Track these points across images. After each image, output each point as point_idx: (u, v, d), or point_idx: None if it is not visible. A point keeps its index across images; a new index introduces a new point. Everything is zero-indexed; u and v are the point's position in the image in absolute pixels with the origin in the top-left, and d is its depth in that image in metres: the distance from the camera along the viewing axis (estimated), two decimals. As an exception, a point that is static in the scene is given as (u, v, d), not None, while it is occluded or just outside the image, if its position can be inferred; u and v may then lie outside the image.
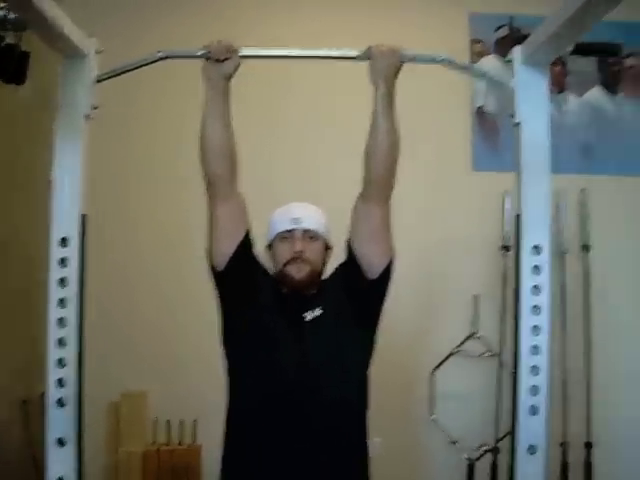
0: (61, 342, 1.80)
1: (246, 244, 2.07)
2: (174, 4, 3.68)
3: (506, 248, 3.51)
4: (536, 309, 1.84)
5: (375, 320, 2.10)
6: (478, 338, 3.38)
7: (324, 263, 2.15)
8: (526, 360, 1.83)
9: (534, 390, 1.82)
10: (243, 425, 2.01)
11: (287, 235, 2.10)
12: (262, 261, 2.16)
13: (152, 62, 1.91)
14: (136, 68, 1.91)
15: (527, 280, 1.85)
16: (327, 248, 2.16)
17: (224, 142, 1.98)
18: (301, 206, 2.16)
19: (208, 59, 1.93)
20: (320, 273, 2.13)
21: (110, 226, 3.36)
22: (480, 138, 3.75)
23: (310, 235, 2.10)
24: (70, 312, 1.82)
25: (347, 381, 2.02)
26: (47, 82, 3.17)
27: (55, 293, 1.82)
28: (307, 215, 2.12)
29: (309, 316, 2.05)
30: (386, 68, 1.93)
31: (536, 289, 1.84)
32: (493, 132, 3.74)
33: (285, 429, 1.96)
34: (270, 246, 2.15)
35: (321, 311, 2.06)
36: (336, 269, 2.16)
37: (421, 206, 3.59)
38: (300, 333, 2.03)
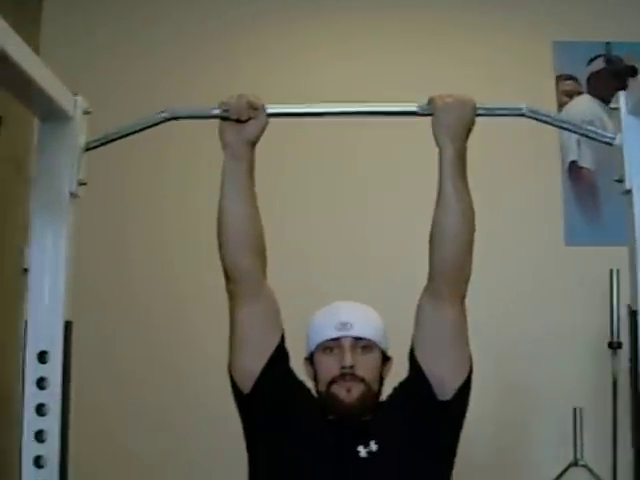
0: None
1: (279, 358, 2.06)
2: (180, 53, 3.78)
3: (616, 345, 3.43)
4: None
5: (451, 453, 2.07)
6: (583, 466, 3.28)
7: (381, 380, 2.12)
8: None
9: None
10: None
11: (333, 345, 2.09)
12: (300, 377, 2.15)
13: (155, 124, 1.92)
14: (135, 132, 1.92)
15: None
16: (385, 360, 2.14)
17: (249, 227, 1.99)
18: (350, 307, 2.15)
19: (226, 119, 1.94)
20: (377, 394, 2.10)
21: (93, 333, 3.37)
22: (574, 203, 3.73)
23: (363, 345, 2.09)
24: (50, 450, 1.78)
25: None
26: (22, 150, 3.29)
27: (31, 425, 1.78)
28: (358, 318, 2.11)
29: (363, 452, 2.01)
30: (454, 124, 1.94)
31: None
32: (591, 194, 3.72)
33: None
34: (310, 359, 2.14)
35: (377, 445, 2.02)
36: (395, 389, 2.14)
37: (500, 295, 3.57)
38: (353, 474, 2.00)
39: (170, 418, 3.52)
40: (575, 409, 3.33)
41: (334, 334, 2.08)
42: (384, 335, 2.14)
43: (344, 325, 2.08)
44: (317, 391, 2.11)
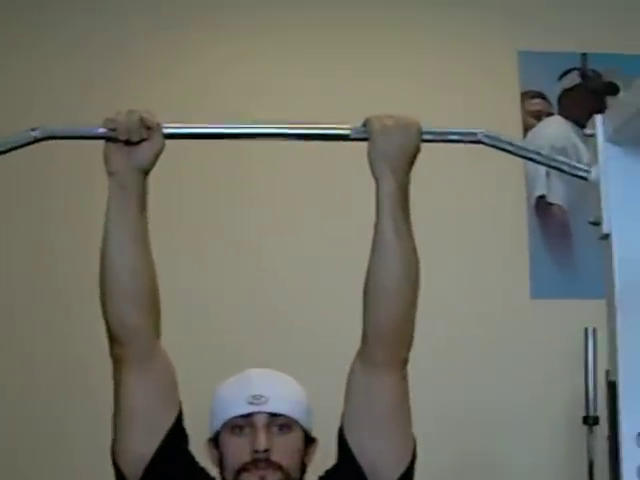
0: None
1: (176, 440, 2.01)
2: (59, 61, 3.75)
3: (592, 421, 3.45)
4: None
5: None
6: None
7: (304, 467, 2.09)
8: None
9: None
10: None
11: (243, 423, 2.04)
12: (202, 463, 2.10)
13: (23, 145, 1.87)
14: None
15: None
16: (308, 442, 2.11)
17: (139, 276, 1.94)
18: (265, 376, 2.13)
19: (113, 141, 1.90)
20: None
21: None
22: (542, 246, 3.78)
23: (280, 423, 2.05)
24: None
25: None
26: None
27: None
28: (275, 390, 2.08)
29: None
30: (395, 152, 1.92)
31: (651, 503, 1.78)
32: (562, 236, 3.77)
33: None
34: (215, 440, 2.10)
35: None
36: (322, 478, 2.10)
37: (450, 358, 3.59)
38: None
39: None
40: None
41: (245, 410, 2.04)
42: (307, 411, 2.11)
43: (257, 399, 2.05)
44: (223, 477, 2.07)
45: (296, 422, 2.07)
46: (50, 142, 1.89)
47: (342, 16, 3.82)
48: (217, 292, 3.61)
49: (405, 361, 2.00)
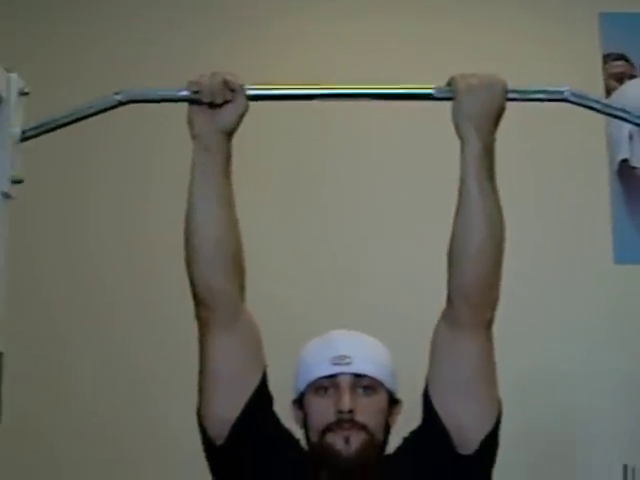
0: None
1: (261, 402, 2.03)
2: (137, 25, 3.78)
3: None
4: None
5: None
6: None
7: (388, 429, 2.08)
8: None
9: None
10: None
11: (327, 384, 2.04)
12: (287, 424, 2.11)
13: (107, 109, 1.89)
14: (83, 118, 1.89)
15: None
16: (392, 403, 2.10)
17: (226, 238, 1.96)
18: (349, 337, 2.12)
19: (197, 103, 1.91)
20: (382, 445, 2.06)
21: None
22: (625, 211, 3.73)
23: (365, 384, 2.04)
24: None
25: None
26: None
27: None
28: (359, 352, 2.07)
29: None
30: (480, 111, 1.91)
31: None
32: (647, 201, 3.72)
33: None
34: (299, 401, 2.10)
35: None
36: (406, 439, 2.11)
37: (533, 324, 3.57)
38: None
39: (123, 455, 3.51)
40: (626, 467, 3.31)
41: (329, 370, 2.04)
42: (392, 373, 2.10)
43: (342, 359, 2.04)
44: (308, 441, 2.07)
45: (381, 383, 2.06)
46: (134, 106, 1.91)
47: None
48: (299, 256, 3.61)
49: (490, 322, 1.98)
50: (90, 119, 1.91)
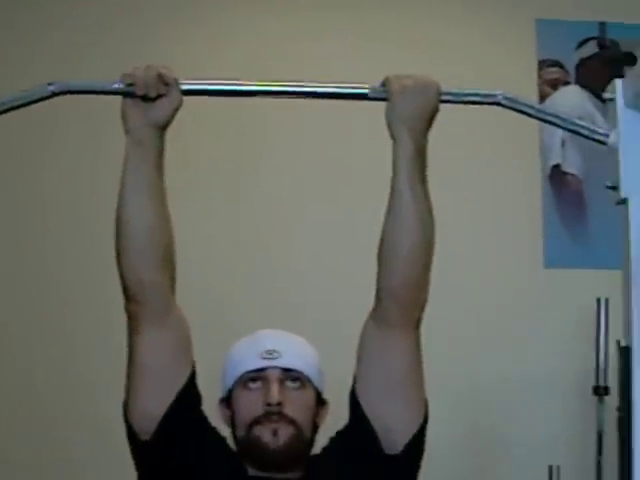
0: None
1: (189, 398, 2.01)
2: (72, 14, 3.72)
3: (603, 391, 3.46)
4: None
5: None
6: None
7: (315, 428, 2.09)
8: None
9: None
10: None
11: (256, 376, 2.05)
12: (214, 423, 2.11)
13: (39, 100, 1.87)
14: (13, 108, 1.86)
15: (646, 454, 1.79)
16: (320, 403, 2.12)
17: (156, 231, 1.94)
18: (277, 334, 2.13)
19: (130, 96, 1.89)
20: (309, 443, 2.07)
21: None
22: (556, 216, 3.77)
23: (293, 377, 2.06)
24: None
25: None
26: None
27: None
28: (288, 347, 2.09)
29: None
30: (414, 113, 1.91)
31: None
32: (577, 205, 3.77)
33: None
34: (227, 399, 2.11)
35: None
36: (332, 439, 2.12)
37: (462, 327, 3.59)
38: None
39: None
40: (551, 467, 3.32)
41: (258, 364, 2.05)
42: (319, 372, 2.11)
43: (270, 353, 2.06)
44: (234, 438, 2.07)
45: (309, 380, 2.08)
46: (65, 98, 1.89)
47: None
48: (229, 256, 3.60)
49: (418, 322, 1.99)
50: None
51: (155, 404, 1.97)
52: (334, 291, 3.51)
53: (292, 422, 2.01)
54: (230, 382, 2.09)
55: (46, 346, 3.54)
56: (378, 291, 1.98)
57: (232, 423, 2.08)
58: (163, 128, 1.93)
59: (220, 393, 2.12)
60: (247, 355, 2.08)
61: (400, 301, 1.96)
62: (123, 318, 2.00)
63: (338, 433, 2.11)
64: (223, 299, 3.45)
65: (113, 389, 2.08)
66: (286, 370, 2.05)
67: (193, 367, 2.03)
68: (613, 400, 3.37)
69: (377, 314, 1.99)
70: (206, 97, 1.95)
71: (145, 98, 1.88)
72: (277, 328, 2.16)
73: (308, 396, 2.07)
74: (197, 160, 3.49)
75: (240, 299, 3.51)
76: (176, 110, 1.91)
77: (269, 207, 3.67)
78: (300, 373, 2.07)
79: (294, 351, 2.09)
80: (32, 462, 3.46)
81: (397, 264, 1.95)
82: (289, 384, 2.05)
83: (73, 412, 3.49)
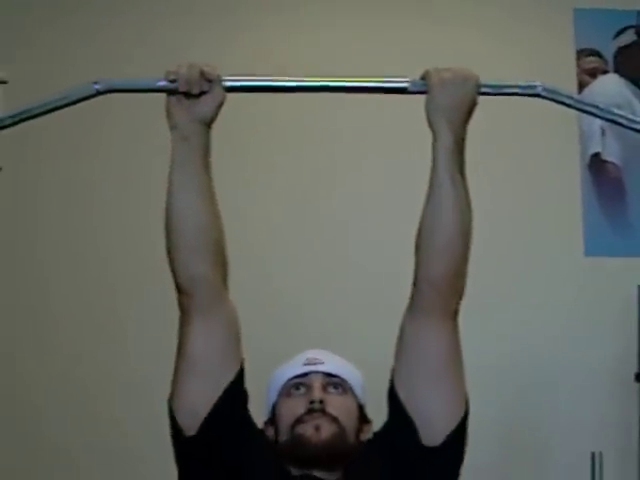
0: None
1: (236, 395, 1.99)
2: (118, 15, 3.75)
3: (646, 377, 3.46)
4: None
5: None
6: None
7: (357, 434, 2.05)
8: None
9: None
10: None
11: (299, 383, 2.05)
12: (260, 425, 2.09)
13: (85, 98, 1.89)
14: (61, 107, 1.89)
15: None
16: (363, 421, 2.09)
17: (204, 225, 1.94)
18: (321, 350, 2.13)
19: (174, 93, 1.91)
20: (350, 447, 2.02)
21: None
22: (596, 204, 3.76)
23: (335, 383, 2.05)
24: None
25: None
26: None
27: None
28: (330, 357, 2.10)
29: None
30: (453, 105, 1.91)
31: None
32: (616, 193, 3.75)
33: None
34: (271, 418, 2.09)
35: None
36: (370, 440, 2.08)
37: (505, 317, 3.59)
38: None
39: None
40: (594, 454, 3.30)
41: (300, 370, 2.06)
42: (362, 388, 2.11)
43: (313, 360, 2.07)
44: (278, 443, 2.04)
45: (351, 389, 2.06)
46: (111, 96, 1.91)
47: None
48: (278, 248, 3.61)
49: (456, 312, 1.97)
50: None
51: (202, 399, 1.94)
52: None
53: (334, 420, 1.98)
54: (274, 396, 2.08)
55: (95, 338, 3.58)
56: (416, 280, 1.97)
57: (276, 435, 2.06)
58: (208, 124, 1.92)
59: (265, 414, 2.11)
60: (290, 365, 2.09)
61: (439, 290, 1.94)
62: (172, 313, 2.02)
63: (376, 434, 2.08)
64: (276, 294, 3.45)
65: (160, 385, 2.06)
66: (328, 375, 2.05)
67: (242, 364, 2.00)
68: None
69: (415, 304, 1.97)
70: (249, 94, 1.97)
71: (188, 95, 1.89)
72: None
73: (350, 402, 2.05)
74: (238, 155, 3.49)
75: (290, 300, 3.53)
76: (220, 106, 1.91)
77: (313, 200, 3.69)
78: (342, 380, 2.06)
79: (337, 361, 2.10)
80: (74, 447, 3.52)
81: (436, 253, 1.93)
82: (331, 390, 2.04)
83: (120, 405, 3.53)
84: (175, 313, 1.98)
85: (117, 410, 3.54)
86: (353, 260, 3.62)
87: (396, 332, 2.01)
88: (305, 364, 2.07)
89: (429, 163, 1.96)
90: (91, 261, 3.63)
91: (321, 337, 2.27)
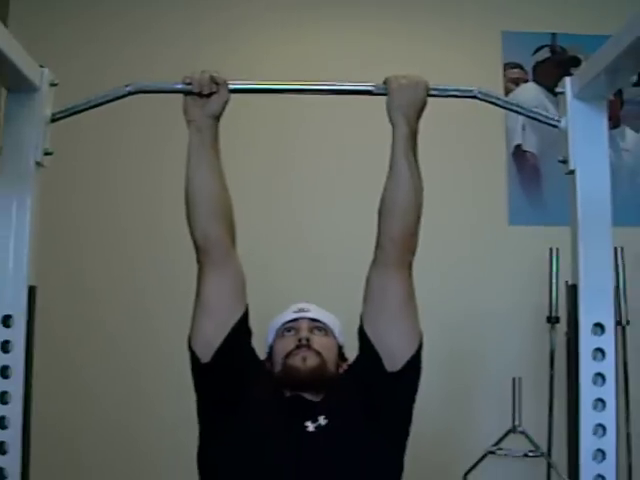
0: (1, 448, 1.72)
1: (242, 332, 2.00)
2: (148, 34, 3.72)
3: (554, 320, 3.46)
4: (599, 404, 1.77)
5: (402, 425, 2.03)
6: (520, 433, 3.26)
7: (337, 368, 2.09)
8: (589, 469, 1.75)
9: (601, 503, 1.76)
10: None
11: (290, 326, 2.09)
12: (261, 357, 2.12)
13: (119, 97, 1.88)
14: (100, 105, 1.88)
15: (587, 367, 1.78)
16: (342, 359, 2.13)
17: (216, 196, 1.95)
18: (307, 302, 2.17)
19: (189, 94, 1.91)
20: (331, 377, 2.06)
21: (57, 297, 3.30)
22: (518, 184, 3.75)
23: (319, 327, 2.09)
24: (13, 410, 1.74)
25: None
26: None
27: (-5, 386, 1.74)
28: (315, 307, 2.14)
29: (311, 427, 1.97)
30: (408, 104, 1.92)
31: (599, 378, 1.78)
32: (534, 176, 3.74)
33: None
34: (269, 355, 2.13)
35: (326, 420, 1.98)
36: (345, 371, 2.11)
37: (445, 271, 3.58)
38: (300, 447, 1.94)
39: (135, 368, 3.49)
40: (514, 379, 3.31)
41: (291, 317, 2.11)
42: (341, 333, 2.15)
43: (301, 310, 2.12)
44: (274, 373, 2.08)
45: (331, 331, 2.11)
46: (139, 96, 1.89)
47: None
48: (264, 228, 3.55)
49: (410, 264, 1.97)
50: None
51: (214, 334, 1.96)
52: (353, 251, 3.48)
53: (318, 354, 2.03)
54: (271, 337, 2.13)
55: (122, 293, 3.56)
56: (379, 240, 1.97)
57: (272, 368, 2.10)
58: (217, 118, 1.94)
59: (264, 351, 2.15)
60: (283, 314, 2.14)
61: (397, 246, 1.94)
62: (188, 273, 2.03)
63: (349, 365, 2.11)
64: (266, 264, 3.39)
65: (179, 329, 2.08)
66: (313, 320, 2.09)
67: (246, 307, 2.01)
68: (562, 327, 3.41)
69: (378, 258, 1.97)
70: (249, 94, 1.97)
71: (201, 95, 1.90)
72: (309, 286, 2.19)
73: (331, 342, 2.10)
74: (241, 144, 3.45)
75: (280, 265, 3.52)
76: (225, 104, 1.92)
77: (295, 183, 3.68)
78: (324, 324, 2.10)
79: (320, 310, 2.15)
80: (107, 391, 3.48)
81: (396, 218, 1.94)
82: (316, 332, 2.08)
83: (143, 349, 3.51)
84: (183, 277, 2.03)
85: (136, 359, 3.52)
86: (332, 231, 3.62)
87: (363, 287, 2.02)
88: (295, 312, 2.12)
89: (389, 150, 1.96)
90: (117, 228, 3.61)
91: (307, 293, 2.27)
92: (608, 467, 1.76)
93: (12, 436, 1.74)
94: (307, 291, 2.35)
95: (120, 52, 3.65)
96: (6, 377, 1.75)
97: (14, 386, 1.75)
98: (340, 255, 3.49)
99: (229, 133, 2.02)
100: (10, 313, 1.77)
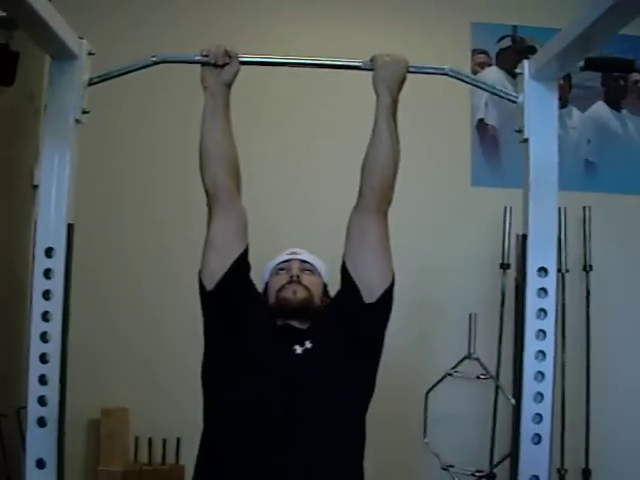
0: (44, 358, 1.76)
1: (242, 266, 2.00)
2: (171, 8, 3.66)
3: (505, 266, 3.51)
4: (541, 334, 1.82)
5: (376, 348, 2.04)
6: (475, 359, 3.32)
7: (322, 302, 2.10)
8: (530, 387, 1.81)
9: (538, 418, 1.80)
10: (222, 465, 1.94)
11: (283, 267, 2.11)
12: (259, 290, 2.14)
13: (146, 66, 1.89)
14: (130, 72, 1.89)
15: (533, 303, 1.82)
16: (325, 293, 2.14)
17: (225, 151, 1.96)
18: (299, 248, 2.18)
19: (205, 64, 1.92)
20: (317, 309, 2.07)
21: (93, 235, 3.28)
22: (480, 152, 3.76)
23: (307, 267, 2.10)
24: (54, 327, 1.77)
25: (338, 424, 1.95)
26: (35, 84, 3.19)
27: (39, 306, 1.77)
28: (305, 252, 2.15)
29: (299, 349, 1.98)
30: (390, 78, 1.93)
31: (542, 313, 1.82)
32: (494, 146, 3.75)
33: (269, 470, 1.89)
34: (265, 291, 2.14)
35: (312, 344, 1.99)
36: (329, 303, 2.12)
37: (416, 222, 3.57)
38: (289, 366, 1.95)
39: (159, 309, 3.48)
40: (471, 314, 3.36)
41: (284, 258, 2.12)
42: (326, 274, 2.16)
43: (293, 252, 2.13)
44: (269, 305, 2.09)
45: (318, 272, 2.13)
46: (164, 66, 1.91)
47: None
48: (267, 179, 3.51)
49: (386, 213, 1.98)
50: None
51: (219, 266, 1.96)
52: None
53: (306, 288, 2.05)
54: (267, 275, 2.14)
55: (141, 239, 3.54)
56: (361, 189, 1.97)
57: (267, 301, 2.11)
58: (229, 85, 1.96)
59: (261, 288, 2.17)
60: (278, 257, 2.15)
61: (377, 194, 1.95)
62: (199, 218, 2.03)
63: (332, 299, 2.12)
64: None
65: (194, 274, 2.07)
66: (303, 262, 2.10)
67: (247, 245, 2.01)
68: (512, 273, 3.46)
69: (359, 205, 1.97)
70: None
71: (216, 65, 1.91)
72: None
73: (317, 280, 2.11)
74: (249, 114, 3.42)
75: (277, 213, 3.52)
76: (236, 73, 1.94)
77: (291, 147, 3.65)
78: (312, 266, 2.12)
79: (310, 254, 2.16)
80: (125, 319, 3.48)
81: (376, 171, 1.94)
82: (305, 271, 2.10)
83: (159, 282, 3.51)
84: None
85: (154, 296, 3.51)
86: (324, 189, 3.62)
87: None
88: (288, 254, 2.13)
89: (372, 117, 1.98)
90: (147, 181, 3.58)
91: (299, 239, 2.29)
92: (546, 386, 1.82)
93: (53, 348, 1.78)
94: (300, 237, 2.37)
95: (151, 27, 3.59)
96: (47, 299, 1.78)
97: (54, 307, 1.78)
98: (330, 207, 3.46)
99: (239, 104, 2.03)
100: (52, 246, 1.80)
